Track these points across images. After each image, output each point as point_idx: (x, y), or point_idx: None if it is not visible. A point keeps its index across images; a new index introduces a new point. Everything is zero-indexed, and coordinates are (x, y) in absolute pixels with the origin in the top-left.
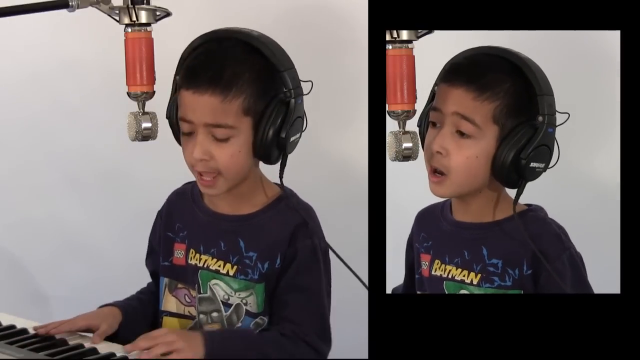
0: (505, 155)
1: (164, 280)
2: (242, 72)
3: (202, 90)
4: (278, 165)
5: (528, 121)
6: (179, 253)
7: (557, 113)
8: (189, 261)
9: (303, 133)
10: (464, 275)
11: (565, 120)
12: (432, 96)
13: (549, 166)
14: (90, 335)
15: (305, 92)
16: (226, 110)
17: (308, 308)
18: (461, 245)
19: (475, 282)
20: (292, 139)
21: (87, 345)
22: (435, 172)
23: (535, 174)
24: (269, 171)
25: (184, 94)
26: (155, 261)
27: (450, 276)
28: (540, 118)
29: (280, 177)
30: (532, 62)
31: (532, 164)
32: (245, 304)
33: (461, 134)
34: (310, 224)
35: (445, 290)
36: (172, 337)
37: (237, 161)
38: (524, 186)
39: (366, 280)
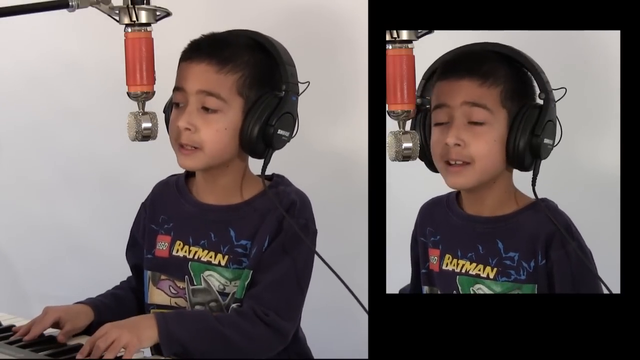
0: (520, 135)
1: (147, 273)
2: (243, 54)
3: (199, 60)
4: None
5: (530, 101)
6: (161, 245)
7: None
8: (175, 253)
9: (303, 133)
10: (479, 270)
11: (563, 95)
12: (419, 106)
13: (555, 144)
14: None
15: (300, 92)
16: (220, 81)
17: (274, 286)
18: (475, 240)
19: (491, 276)
20: (279, 132)
21: None
22: (451, 163)
23: (547, 151)
24: (278, 167)
25: (182, 65)
26: (137, 254)
27: (463, 271)
28: (543, 95)
29: (263, 171)
30: (517, 49)
31: (545, 140)
32: None
33: (476, 122)
34: (299, 205)
35: (458, 285)
36: (114, 334)
37: (220, 138)
38: (539, 166)
39: (367, 280)
